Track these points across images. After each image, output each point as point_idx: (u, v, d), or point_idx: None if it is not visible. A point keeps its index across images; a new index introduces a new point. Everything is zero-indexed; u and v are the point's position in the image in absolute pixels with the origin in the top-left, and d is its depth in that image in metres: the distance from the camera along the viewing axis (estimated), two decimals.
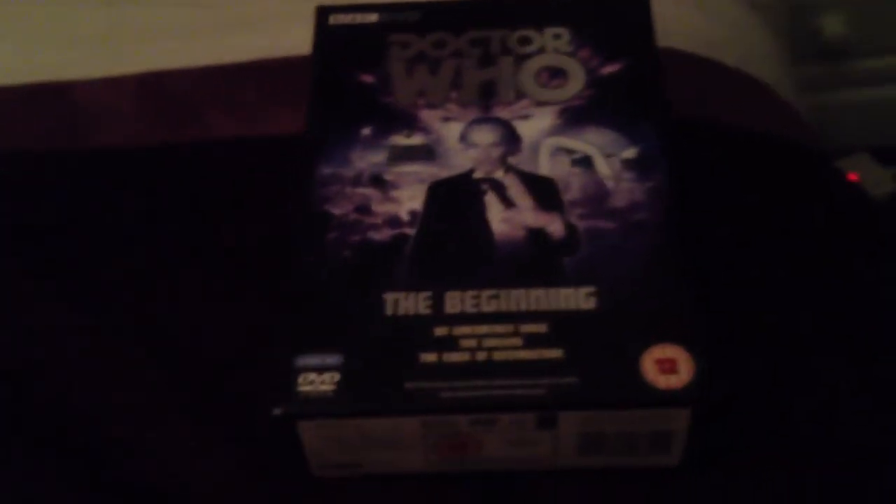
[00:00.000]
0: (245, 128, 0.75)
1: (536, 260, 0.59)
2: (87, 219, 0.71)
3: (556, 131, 0.64)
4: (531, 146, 0.63)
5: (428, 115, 0.65)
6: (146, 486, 0.59)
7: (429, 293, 0.57)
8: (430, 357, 0.55)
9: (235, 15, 0.83)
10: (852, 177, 1.39)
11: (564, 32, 0.68)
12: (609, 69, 0.67)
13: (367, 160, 0.63)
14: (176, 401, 0.62)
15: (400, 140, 0.64)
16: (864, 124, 1.45)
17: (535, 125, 0.64)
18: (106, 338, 0.65)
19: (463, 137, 0.64)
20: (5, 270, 0.68)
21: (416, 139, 0.64)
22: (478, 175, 0.62)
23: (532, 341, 0.56)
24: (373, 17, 0.70)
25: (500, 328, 0.56)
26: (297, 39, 0.76)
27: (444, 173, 0.62)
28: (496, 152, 0.63)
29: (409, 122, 0.65)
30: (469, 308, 0.57)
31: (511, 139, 0.64)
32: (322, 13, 0.70)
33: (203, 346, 0.64)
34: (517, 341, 0.56)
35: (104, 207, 0.72)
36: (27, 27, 0.84)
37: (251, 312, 0.65)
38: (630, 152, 0.63)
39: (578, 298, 0.57)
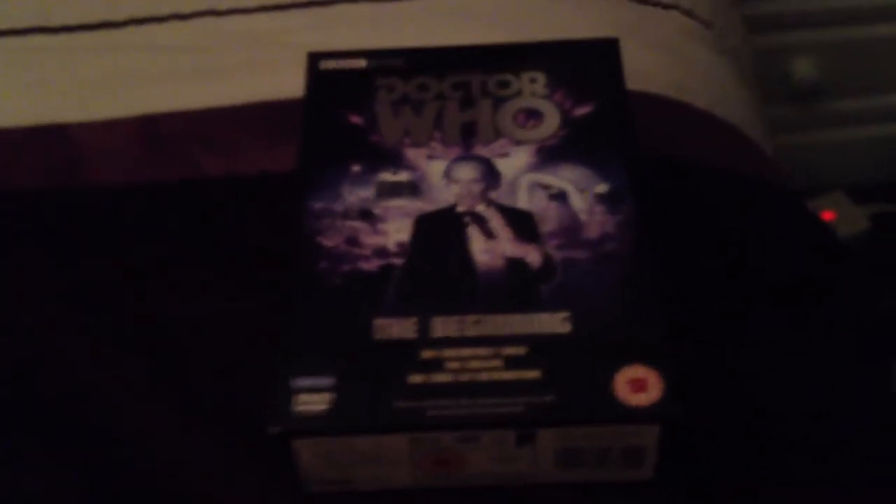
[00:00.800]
0: (238, 166, 0.79)
1: (516, 287, 0.63)
2: (89, 249, 0.75)
3: (532, 168, 0.68)
4: (510, 182, 0.67)
5: (413, 154, 0.69)
6: (145, 485, 0.62)
7: (415, 319, 0.61)
8: (417, 378, 0.59)
9: (229, 61, 0.87)
10: (827, 215, 1.44)
11: (540, 77, 0.73)
12: (581, 111, 0.71)
13: (356, 195, 0.67)
14: (174, 404, 0.65)
15: (387, 177, 0.68)
16: (837, 164, 1.49)
17: (513, 162, 0.68)
18: (106, 343, 0.68)
19: (446, 174, 0.68)
20: (8, 279, 0.72)
21: (403, 176, 0.68)
22: (460, 209, 0.66)
23: (512, 363, 0.59)
24: (361, 63, 0.74)
25: (482, 351, 0.60)
26: (287, 84, 0.80)
27: (428, 207, 0.66)
28: (477, 188, 0.67)
29: (396, 160, 0.69)
30: (453, 332, 0.61)
31: (491, 175, 0.68)
32: (313, 59, 0.75)
33: (201, 352, 0.68)
34: (498, 363, 0.60)
35: (105, 239, 0.75)
36: (30, 72, 0.87)
37: (247, 320, 0.68)
38: (601, 187, 0.67)
39: (555, 323, 0.61)
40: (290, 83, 0.78)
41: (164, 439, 0.64)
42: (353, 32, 0.87)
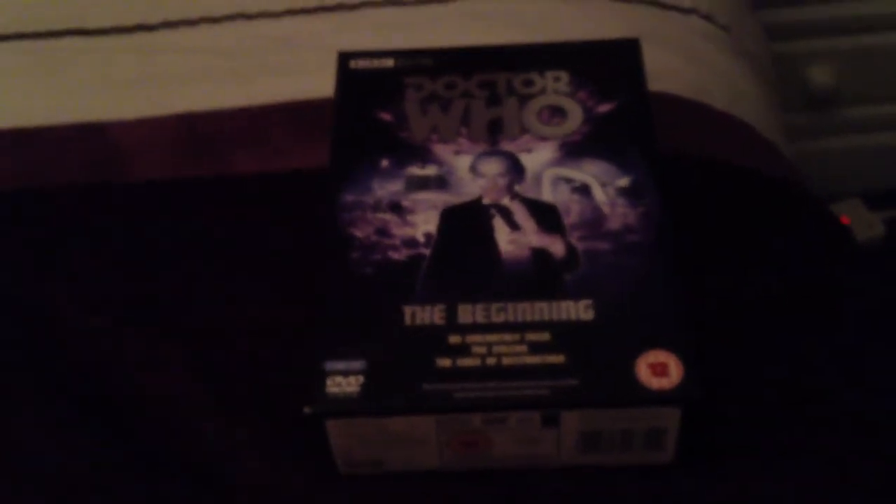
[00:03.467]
0: (271, 164, 0.81)
1: (540, 276, 0.65)
2: (129, 241, 0.77)
3: (556, 163, 0.70)
4: (534, 176, 0.70)
5: (441, 149, 0.71)
6: (189, 470, 0.64)
7: (443, 306, 0.63)
8: (444, 362, 0.61)
9: (259, 63, 0.89)
10: (844, 220, 1.45)
11: (564, 75, 0.75)
12: (603, 108, 0.73)
13: (386, 189, 0.69)
14: (216, 396, 0.67)
15: (415, 171, 0.70)
16: (853, 170, 1.49)
17: (537, 157, 0.71)
18: (152, 342, 0.71)
19: (472, 168, 0.70)
20: (60, 287, 0.74)
21: (430, 170, 0.70)
22: (486, 202, 0.69)
23: (536, 348, 0.62)
24: (389, 62, 0.77)
25: (507, 336, 0.62)
26: (316, 85, 0.82)
27: (455, 200, 0.69)
28: (503, 181, 0.70)
29: (424, 156, 0.71)
30: (480, 319, 0.63)
31: (516, 170, 0.70)
32: (343, 58, 0.77)
33: (243, 347, 0.70)
34: (523, 348, 0.62)
35: (144, 231, 0.78)
36: (68, 73, 0.89)
37: (279, 316, 0.71)
38: (623, 181, 0.69)
39: (578, 310, 0.63)
40: (319, 84, 0.80)
41: (207, 433, 0.66)
42: (378, 35, 0.89)
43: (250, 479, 0.64)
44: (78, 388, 0.69)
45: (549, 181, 0.69)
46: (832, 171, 1.45)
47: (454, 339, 0.62)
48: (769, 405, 0.66)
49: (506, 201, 0.68)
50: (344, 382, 0.61)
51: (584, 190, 0.69)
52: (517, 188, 0.69)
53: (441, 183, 0.70)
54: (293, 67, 0.88)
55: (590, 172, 0.70)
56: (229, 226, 0.77)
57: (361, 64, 0.77)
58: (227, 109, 0.85)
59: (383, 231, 0.67)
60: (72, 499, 0.64)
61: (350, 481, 0.63)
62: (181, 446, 0.66)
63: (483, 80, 0.75)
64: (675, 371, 0.60)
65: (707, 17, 0.95)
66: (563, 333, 0.62)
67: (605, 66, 0.75)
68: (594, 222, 0.67)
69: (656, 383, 0.60)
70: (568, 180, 0.69)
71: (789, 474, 0.63)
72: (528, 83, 0.75)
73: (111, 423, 0.67)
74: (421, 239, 0.67)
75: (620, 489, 0.63)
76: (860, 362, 0.69)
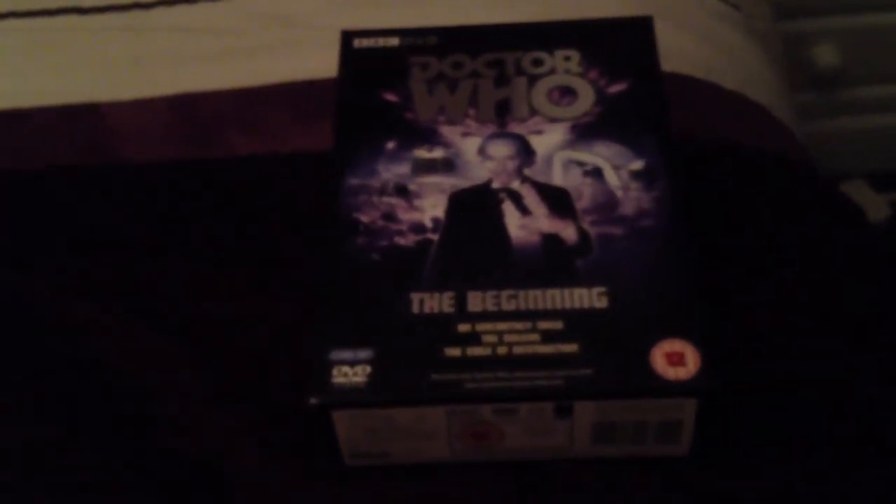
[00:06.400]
0: (270, 145, 0.79)
1: (552, 262, 0.63)
2: (123, 225, 0.75)
3: (567, 145, 0.68)
4: (545, 159, 0.68)
5: (448, 131, 0.69)
6: (188, 462, 0.63)
7: (452, 293, 0.61)
8: (454, 351, 0.59)
9: (258, 42, 0.87)
10: None
11: (574, 55, 0.73)
12: (616, 88, 0.71)
13: (392, 172, 0.67)
14: (214, 388, 0.66)
15: (422, 153, 0.68)
16: (859, 151, 1.48)
17: (547, 140, 0.69)
18: (147, 333, 0.69)
19: (481, 151, 0.68)
20: (51, 272, 0.72)
21: (438, 153, 0.68)
22: (495, 185, 0.67)
23: (549, 337, 0.60)
24: (394, 41, 0.75)
25: (518, 325, 0.60)
26: (317, 64, 0.81)
27: (463, 184, 0.67)
28: (512, 164, 0.68)
29: (431, 137, 0.69)
30: (490, 307, 0.61)
31: (526, 152, 0.68)
32: (347, 37, 0.75)
33: (240, 339, 0.68)
34: (535, 337, 0.60)
35: (138, 215, 0.76)
36: (62, 52, 0.88)
37: (277, 305, 0.69)
38: (637, 164, 0.67)
39: (591, 297, 0.61)
40: (320, 63, 0.79)
41: (205, 425, 0.64)
42: (381, 13, 0.87)
43: (247, 470, 0.62)
44: (66, 379, 0.67)
45: (559, 164, 0.67)
46: (837, 152, 1.44)
47: (464, 327, 0.60)
48: (785, 396, 0.64)
49: (515, 185, 0.66)
50: (350, 372, 0.59)
51: (596, 173, 0.67)
52: (527, 171, 0.67)
53: (449, 166, 0.67)
54: (292, 46, 0.87)
55: (602, 155, 0.68)
56: (226, 210, 0.76)
57: (365, 43, 0.74)
58: (224, 90, 0.84)
59: (390, 216, 0.65)
60: (65, 492, 0.62)
61: (350, 473, 0.62)
62: (176, 438, 0.64)
63: (491, 60, 0.73)
64: (691, 361, 0.59)
65: None
66: (577, 322, 0.60)
67: (617, 45, 0.73)
68: (607, 206, 0.65)
69: (672, 373, 0.58)
70: (580, 163, 0.67)
71: (805, 469, 0.61)
72: (538, 62, 0.72)
73: (103, 415, 0.65)
74: (428, 224, 0.65)
75: (634, 482, 0.61)
76: (876, 352, 0.68)
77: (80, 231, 0.75)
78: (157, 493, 0.62)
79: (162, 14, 0.90)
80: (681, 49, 0.84)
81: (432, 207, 0.65)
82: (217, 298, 0.71)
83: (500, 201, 0.66)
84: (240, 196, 0.77)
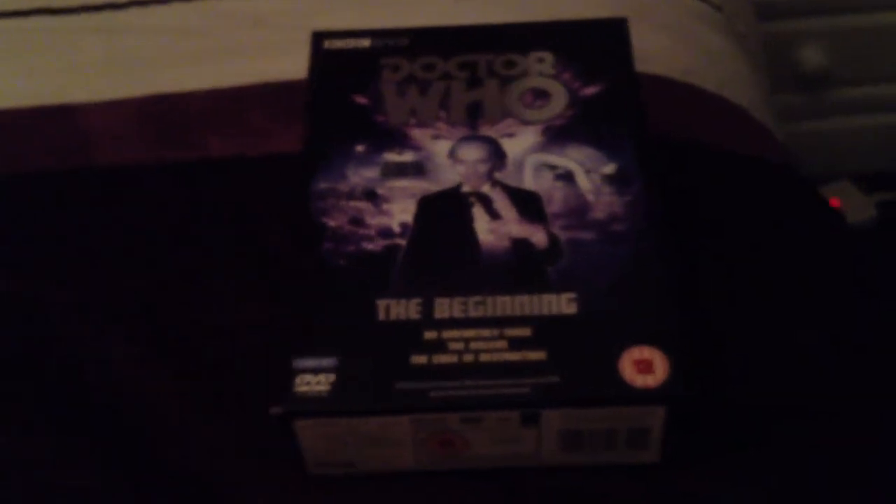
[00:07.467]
0: (244, 147, 0.79)
1: (521, 268, 0.62)
2: (95, 230, 0.74)
3: (539, 148, 0.67)
4: (516, 162, 0.67)
5: (418, 134, 0.68)
6: (178, 473, 0.62)
7: (419, 299, 0.61)
8: (420, 359, 0.58)
9: (233, 43, 0.86)
10: (835, 203, 1.44)
11: (548, 56, 0.72)
12: (589, 91, 0.70)
13: (360, 175, 0.66)
14: (185, 394, 0.65)
15: (392, 157, 0.67)
16: (845, 152, 1.49)
17: (519, 143, 0.68)
18: (120, 338, 0.68)
19: (451, 154, 0.67)
20: (26, 277, 0.71)
21: (408, 156, 0.67)
22: (465, 189, 0.66)
23: (516, 344, 0.59)
24: (365, 42, 0.74)
25: (486, 332, 0.59)
26: (292, 65, 0.79)
27: (433, 188, 0.66)
28: (483, 168, 0.67)
29: (401, 140, 0.68)
30: (457, 313, 0.60)
31: (497, 156, 0.67)
32: (317, 38, 0.74)
33: (211, 345, 0.67)
34: (502, 344, 0.59)
35: (111, 220, 0.75)
36: (34, 53, 0.86)
37: (253, 310, 0.68)
38: (609, 168, 0.66)
39: (560, 304, 0.60)
40: (294, 64, 0.78)
41: (194, 435, 0.64)
42: (356, 14, 0.86)
43: (237, 481, 0.61)
44: (47, 390, 0.66)
45: (531, 168, 0.66)
46: (824, 152, 1.45)
47: (430, 334, 0.59)
48: (760, 400, 0.64)
49: (486, 189, 0.66)
50: (314, 381, 0.58)
51: (567, 177, 0.66)
52: (498, 175, 0.66)
53: (418, 169, 0.67)
54: (267, 47, 0.86)
55: (574, 159, 0.67)
56: (202, 213, 0.75)
57: (336, 44, 0.73)
58: (199, 91, 0.83)
59: (358, 220, 0.64)
60: (48, 500, 0.61)
61: (328, 481, 0.61)
62: (165, 449, 0.63)
63: (463, 62, 0.72)
64: (660, 368, 0.58)
65: None
66: (545, 328, 0.59)
67: (592, 47, 0.72)
68: (578, 211, 0.64)
69: (641, 381, 0.57)
70: (551, 167, 0.66)
71: (778, 473, 0.61)
72: (511, 64, 0.72)
73: (90, 426, 0.64)
74: (397, 229, 0.64)
75: (604, 489, 0.60)
76: (856, 354, 0.67)
77: (53, 238, 0.74)
78: (136, 501, 0.61)
79: (135, 14, 0.89)
80: (658, 50, 0.83)
81: (401, 212, 0.64)
82: (193, 303, 0.69)
83: (470, 205, 0.65)
84: (216, 198, 0.76)
